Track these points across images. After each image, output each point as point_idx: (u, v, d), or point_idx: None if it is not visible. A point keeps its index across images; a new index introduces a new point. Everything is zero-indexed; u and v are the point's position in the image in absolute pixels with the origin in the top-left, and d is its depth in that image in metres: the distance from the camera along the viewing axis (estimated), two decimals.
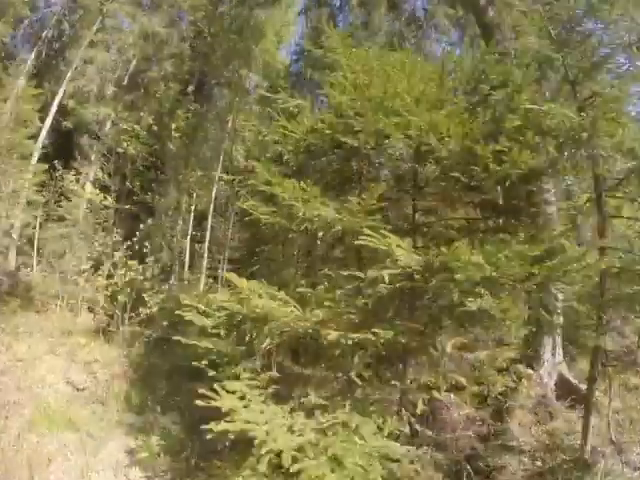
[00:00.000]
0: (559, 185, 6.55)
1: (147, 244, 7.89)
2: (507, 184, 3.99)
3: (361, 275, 3.77)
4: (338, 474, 3.23)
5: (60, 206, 9.25)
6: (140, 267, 6.76)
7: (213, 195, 10.75)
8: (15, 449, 4.85)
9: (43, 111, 11.03)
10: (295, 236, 4.50)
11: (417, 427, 5.20)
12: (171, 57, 12.23)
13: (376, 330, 3.56)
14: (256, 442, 3.35)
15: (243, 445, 4.87)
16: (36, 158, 10.29)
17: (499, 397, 5.94)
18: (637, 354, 7.22)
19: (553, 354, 6.53)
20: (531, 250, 3.41)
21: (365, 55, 4.70)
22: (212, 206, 10.73)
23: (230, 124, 11.80)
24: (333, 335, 3.53)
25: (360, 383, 3.83)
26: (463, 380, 5.46)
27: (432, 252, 3.62)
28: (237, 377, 3.84)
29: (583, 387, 6.04)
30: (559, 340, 6.58)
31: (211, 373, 4.09)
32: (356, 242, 3.59)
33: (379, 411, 3.89)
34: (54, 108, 11.22)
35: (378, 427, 3.64)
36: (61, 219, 9.23)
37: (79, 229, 9.10)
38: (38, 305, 9.24)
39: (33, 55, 11.50)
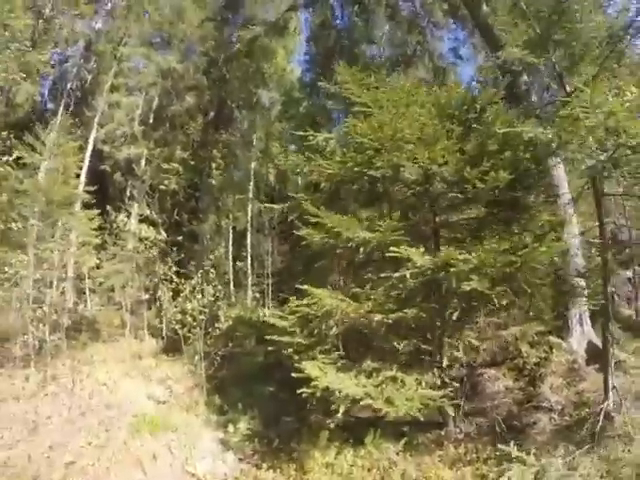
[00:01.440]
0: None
1: (197, 268, 9.50)
2: (496, 193, 5.49)
3: (392, 275, 5.34)
4: (391, 408, 4.93)
5: (117, 244, 11.03)
6: (212, 290, 8.31)
7: (249, 215, 12.31)
8: (124, 452, 6.34)
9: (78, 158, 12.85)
10: (340, 251, 6.06)
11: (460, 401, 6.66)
12: (190, 89, 13.92)
13: (406, 310, 5.21)
14: (336, 392, 5.01)
15: (314, 429, 6.48)
16: (78, 204, 12.05)
17: (533, 367, 7.22)
18: None
19: (581, 323, 7.68)
20: (500, 245, 4.94)
21: (375, 95, 6.18)
22: (249, 225, 12.29)
23: (255, 143, 13.36)
24: (379, 317, 5.18)
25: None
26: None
27: (437, 254, 5.26)
28: (314, 358, 5.42)
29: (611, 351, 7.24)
30: (585, 310, 7.73)
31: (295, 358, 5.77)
32: (386, 254, 5.23)
33: (417, 370, 5.54)
34: (88, 154, 13.03)
35: (417, 380, 5.18)
36: (116, 257, 10.98)
37: (134, 264, 10.85)
38: (104, 336, 11.01)
39: (62, 108, 13.32)
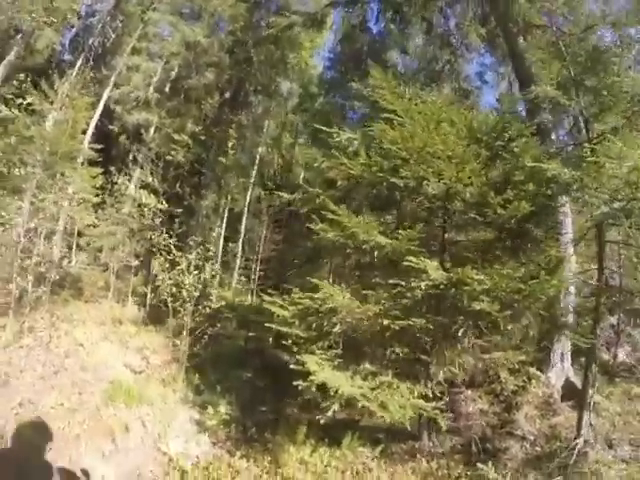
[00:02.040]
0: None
1: (209, 245, 9.36)
2: (513, 222, 5.57)
3: (402, 283, 5.36)
4: (386, 413, 4.96)
5: (114, 208, 10.73)
6: (208, 267, 8.15)
7: (247, 199, 12.15)
8: (96, 419, 6.13)
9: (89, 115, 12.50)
10: (350, 251, 6.00)
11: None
12: (211, 65, 13.66)
13: (414, 319, 5.23)
14: (331, 389, 4.98)
15: (291, 423, 6.41)
16: (80, 160, 11.72)
17: (510, 395, 7.30)
18: None
19: (562, 360, 7.82)
20: (514, 272, 5.04)
21: (407, 105, 6.15)
22: (247, 209, 12.15)
23: (266, 130, 13.22)
24: (386, 322, 5.19)
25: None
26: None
27: (453, 270, 5.27)
28: (312, 353, 5.37)
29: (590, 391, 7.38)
30: (568, 348, 7.87)
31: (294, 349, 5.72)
32: (403, 262, 5.26)
33: (411, 379, 5.59)
34: (98, 112, 12.66)
35: (409, 389, 5.23)
36: (110, 218, 10.70)
37: (128, 228, 10.60)
38: (87, 296, 10.73)
39: (80, 62, 12.94)
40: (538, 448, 6.33)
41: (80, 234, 11.24)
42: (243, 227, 12.37)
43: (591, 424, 5.96)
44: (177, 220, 10.52)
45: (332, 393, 4.87)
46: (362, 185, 6.44)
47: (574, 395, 7.16)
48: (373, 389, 5.13)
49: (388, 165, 6.01)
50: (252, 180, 12.58)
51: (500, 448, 6.32)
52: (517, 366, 7.06)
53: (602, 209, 5.55)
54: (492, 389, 7.45)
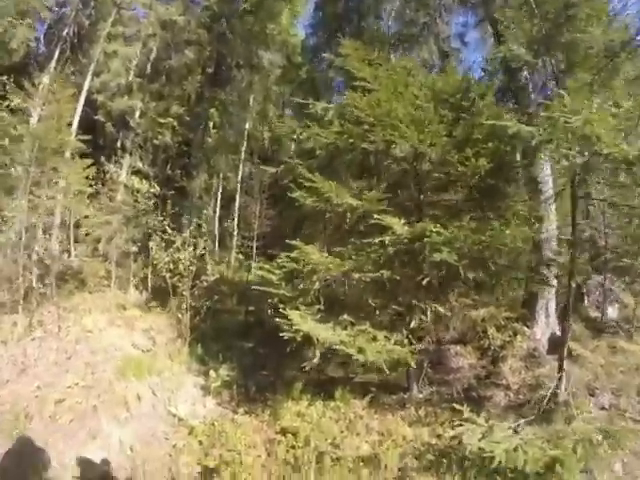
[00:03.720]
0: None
1: (202, 224, 10.21)
2: (477, 179, 6.35)
3: (372, 240, 6.25)
4: (361, 356, 5.92)
5: (107, 196, 11.55)
6: (201, 244, 9.03)
7: (240, 176, 12.87)
8: (110, 393, 7.14)
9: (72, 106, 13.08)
10: (330, 216, 7.01)
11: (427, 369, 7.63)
12: (190, 43, 14.16)
13: (382, 271, 6.15)
14: (314, 338, 5.97)
15: (288, 382, 7.38)
16: (69, 153, 12.39)
17: (497, 349, 8.17)
18: (633, 323, 9.27)
19: (546, 315, 8.61)
20: (471, 224, 5.96)
21: (375, 72, 6.89)
22: (239, 187, 12.90)
23: (252, 104, 13.82)
24: (357, 276, 6.14)
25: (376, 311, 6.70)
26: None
27: (416, 225, 6.16)
28: (297, 309, 6.36)
29: (572, 345, 8.18)
30: (553, 303, 8.65)
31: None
32: (371, 221, 6.15)
33: (388, 328, 6.54)
34: (81, 103, 13.21)
35: (386, 337, 6.21)
36: (105, 208, 11.51)
37: (123, 215, 11.43)
38: (90, 286, 11.60)
39: (57, 54, 13.39)
40: (521, 396, 7.21)
41: (78, 226, 12.06)
42: (237, 205, 13.14)
43: (567, 374, 6.63)
44: (169, 202, 11.28)
45: (316, 341, 5.85)
46: (338, 153, 7.24)
47: (559, 348, 8.08)
48: (352, 337, 6.04)
49: (358, 131, 6.73)
50: (242, 157, 13.25)
51: (485, 396, 7.23)
52: (503, 322, 7.91)
53: (564, 163, 6.29)
54: (480, 345, 8.32)
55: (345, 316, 6.38)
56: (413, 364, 6.32)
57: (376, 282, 6.30)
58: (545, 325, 8.59)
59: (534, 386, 7.33)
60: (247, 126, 13.90)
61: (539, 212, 7.86)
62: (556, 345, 8.00)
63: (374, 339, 6.14)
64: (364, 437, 6.23)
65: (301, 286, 6.52)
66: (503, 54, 7.41)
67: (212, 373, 7.74)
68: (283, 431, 6.40)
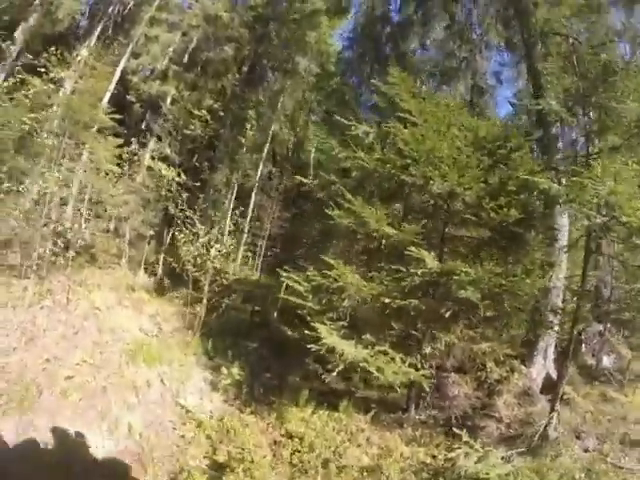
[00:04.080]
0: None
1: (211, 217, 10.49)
2: (504, 225, 6.83)
3: (402, 269, 6.68)
4: (380, 375, 6.33)
5: (131, 178, 11.77)
6: (227, 242, 9.33)
7: (258, 174, 13.15)
8: (119, 376, 7.32)
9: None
10: (360, 236, 7.42)
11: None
12: (230, 40, 14.45)
13: (410, 300, 6.57)
14: (338, 352, 6.35)
15: (293, 388, 7.70)
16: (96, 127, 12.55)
17: (493, 383, 8.58)
18: (626, 374, 9.73)
19: (544, 357, 9.06)
20: (496, 268, 6.32)
21: (421, 107, 7.30)
22: (256, 185, 13.18)
23: (280, 107, 14.14)
24: (387, 300, 6.52)
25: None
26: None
27: (446, 262, 6.63)
28: (323, 323, 6.71)
29: (565, 388, 8.58)
30: (552, 346, 9.10)
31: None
32: (405, 252, 6.55)
33: (405, 352, 6.88)
34: (115, 81, 13.36)
35: (402, 359, 6.61)
36: (128, 188, 11.72)
37: (142, 197, 11.66)
38: (101, 262, 11.74)
39: (98, 30, 13.57)
40: (512, 430, 7.60)
41: (98, 202, 12.22)
42: (252, 203, 13.42)
43: (559, 415, 7.07)
44: (190, 193, 11.51)
45: (338, 356, 6.25)
46: (374, 177, 7.69)
47: (552, 390, 8.06)
48: (372, 356, 6.44)
49: (400, 163, 7.19)
50: (264, 157, 13.55)
51: (478, 426, 7.60)
52: (502, 358, 8.24)
53: (585, 222, 6.74)
54: (478, 376, 8.71)
55: (368, 335, 6.77)
56: (426, 387, 6.77)
57: (401, 308, 6.65)
58: (542, 366, 9.03)
59: (525, 422, 7.71)
60: (273, 128, 14.20)
61: (552, 259, 8.34)
62: (550, 386, 8.48)
63: (392, 360, 6.54)
64: (365, 449, 6.61)
65: (324, 301, 6.93)
66: (542, 107, 7.86)
67: (224, 370, 8.02)
68: (288, 434, 6.76)
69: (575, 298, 7.62)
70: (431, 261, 6.47)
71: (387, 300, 6.57)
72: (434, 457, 6.56)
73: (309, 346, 6.41)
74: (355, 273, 6.97)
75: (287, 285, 7.56)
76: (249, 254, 14.09)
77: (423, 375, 6.67)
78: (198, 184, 12.34)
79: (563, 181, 7.09)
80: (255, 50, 14.92)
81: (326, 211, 7.24)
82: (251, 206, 13.48)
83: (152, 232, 11.65)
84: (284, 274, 7.41)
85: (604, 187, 5.85)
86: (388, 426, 7.27)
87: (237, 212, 12.26)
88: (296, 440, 6.56)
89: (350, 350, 6.30)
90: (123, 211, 11.91)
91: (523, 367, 8.84)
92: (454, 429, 6.88)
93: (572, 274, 9.04)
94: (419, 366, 6.85)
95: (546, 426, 7.03)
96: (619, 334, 10.36)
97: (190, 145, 13.80)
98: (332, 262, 6.93)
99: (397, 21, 13.23)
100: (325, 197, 7.64)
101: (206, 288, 9.02)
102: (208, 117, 12.83)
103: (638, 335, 9.97)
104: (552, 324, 8.02)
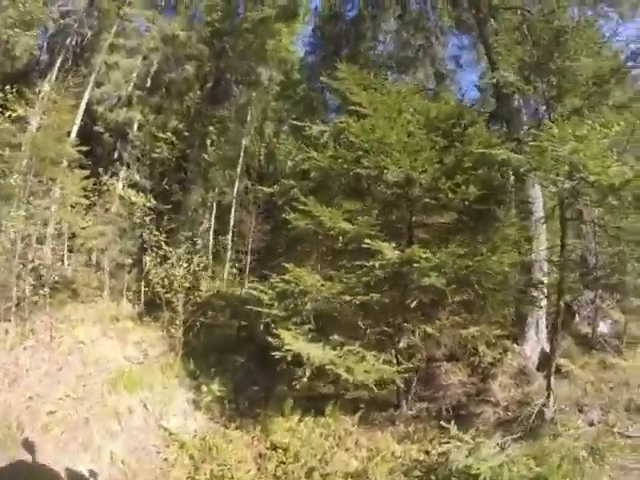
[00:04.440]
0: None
1: (182, 238, 10.36)
2: (467, 204, 6.57)
3: (361, 263, 6.39)
4: (349, 375, 6.00)
5: (103, 208, 11.66)
6: (195, 260, 9.19)
7: (235, 191, 13.00)
8: (101, 405, 7.20)
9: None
10: (322, 238, 7.20)
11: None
12: (190, 58, 14.44)
13: (372, 295, 6.30)
14: (304, 357, 6.09)
15: (279, 398, 7.46)
16: (66, 162, 12.49)
17: (487, 366, 8.29)
18: (623, 339, 9.45)
19: (536, 332, 8.74)
20: (459, 250, 6.03)
21: (371, 97, 7.12)
22: (234, 201, 13.04)
23: (249, 120, 14.06)
24: (348, 298, 6.28)
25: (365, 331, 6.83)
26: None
27: (405, 250, 6.27)
28: (289, 329, 6.50)
29: (562, 361, 8.32)
30: (543, 320, 8.79)
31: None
32: (362, 245, 6.25)
33: (377, 349, 6.63)
34: (81, 113, 13.37)
35: (375, 357, 6.33)
36: (101, 219, 11.61)
37: (117, 227, 11.54)
38: (83, 296, 11.60)
39: (59, 63, 13.53)
40: (510, 413, 7.25)
41: (73, 236, 12.13)
42: (232, 219, 13.29)
43: (551, 389, 6.73)
44: (165, 217, 11.42)
45: (305, 360, 5.99)
46: (332, 175, 7.45)
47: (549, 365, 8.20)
48: (340, 357, 6.19)
49: (352, 157, 6.97)
50: (238, 172, 13.43)
51: (474, 413, 7.30)
52: (494, 340, 8.01)
53: (552, 189, 6.51)
54: (471, 362, 8.43)
55: (335, 336, 6.53)
56: (400, 383, 6.53)
57: (366, 304, 6.44)
58: (535, 342, 8.71)
59: (523, 403, 7.36)
60: (244, 142, 14.09)
61: (529, 233, 8.10)
62: (546, 362, 8.17)
63: (363, 359, 6.29)
64: (353, 453, 6.33)
65: (292, 306, 6.69)
66: (495, 80, 7.70)
67: (204, 388, 7.84)
68: (273, 446, 6.51)
69: (556, 269, 7.38)
70: (390, 252, 6.19)
71: (348, 298, 6.33)
72: (427, 453, 6.25)
73: (274, 354, 6.20)
74: (317, 274, 6.77)
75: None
76: (235, 270, 13.91)
77: (397, 371, 6.39)
78: (169, 206, 12.19)
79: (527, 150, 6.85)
80: (217, 65, 14.87)
81: (284, 216, 7.08)
82: (231, 222, 13.32)
83: (131, 260, 11.46)
84: (249, 285, 7.24)
85: (564, 148, 5.59)
86: (379, 425, 6.99)
87: (218, 230, 12.14)
88: (281, 451, 6.32)
89: (317, 353, 6.08)
90: (100, 243, 11.84)
91: (516, 346, 8.53)
92: (443, 421, 6.69)
93: (554, 245, 8.76)
94: (394, 361, 6.60)
95: (542, 405, 6.72)
96: (611, 299, 10.11)
97: (160, 169, 13.69)
98: (288, 266, 6.73)
99: (350, 18, 13.13)
100: (285, 202, 7.44)
101: (180, 309, 8.81)
102: (173, 139, 12.73)
103: (630, 298, 9.66)
104: (536, 299, 7.75)
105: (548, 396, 6.82)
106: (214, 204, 14.02)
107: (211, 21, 15.35)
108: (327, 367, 6.01)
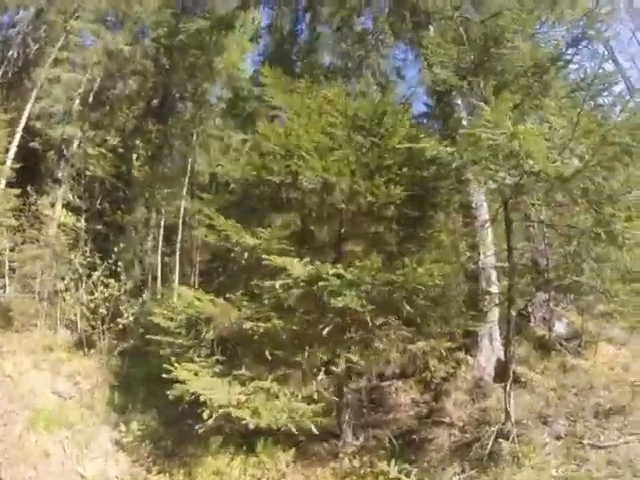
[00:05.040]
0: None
1: (119, 262, 9.32)
2: (392, 209, 5.71)
3: (262, 283, 5.53)
4: (256, 420, 5.16)
5: (35, 229, 10.50)
6: (116, 284, 8.13)
7: (182, 210, 11.97)
8: (18, 447, 6.21)
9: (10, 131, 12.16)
10: (236, 254, 6.13)
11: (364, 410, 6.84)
12: (135, 74, 13.50)
13: (275, 321, 5.37)
14: (206, 400, 5.15)
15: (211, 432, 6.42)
16: (4, 182, 11.42)
17: (440, 382, 7.46)
18: (582, 340, 8.82)
19: (490, 341, 8.00)
20: (376, 263, 5.14)
21: (291, 100, 6.40)
22: (180, 221, 11.99)
23: (195, 138, 13.13)
24: (248, 325, 5.34)
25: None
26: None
27: (315, 266, 5.35)
28: (192, 360, 5.58)
29: (519, 369, 7.57)
30: (496, 328, 8.06)
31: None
32: (263, 262, 5.36)
33: (294, 383, 5.74)
34: (21, 128, 12.30)
35: (293, 393, 5.36)
36: (34, 242, 10.46)
37: (52, 250, 10.38)
38: (17, 325, 10.48)
39: None
40: (467, 435, 6.38)
41: (7, 262, 10.96)
42: (179, 238, 12.25)
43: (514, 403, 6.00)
44: (102, 238, 10.37)
45: (208, 403, 5.03)
46: (252, 186, 6.60)
47: (506, 375, 7.42)
48: (249, 394, 5.25)
49: (261, 163, 6.20)
50: (184, 191, 12.41)
51: (427, 438, 6.40)
52: (445, 353, 7.23)
53: (492, 186, 5.76)
54: (423, 378, 7.59)
55: (243, 370, 5.51)
56: (313, 428, 5.46)
57: (272, 332, 5.46)
58: (490, 352, 7.95)
59: (480, 421, 6.53)
60: (189, 159, 13.13)
61: (475, 240, 7.40)
62: (503, 372, 7.38)
63: (275, 396, 5.37)
64: None
65: (195, 335, 5.78)
66: (430, 79, 7.03)
67: (128, 427, 6.78)
68: None
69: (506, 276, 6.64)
70: (299, 268, 5.24)
71: (248, 325, 5.33)
72: None
73: (168, 393, 5.35)
74: (222, 298, 5.82)
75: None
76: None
77: (312, 411, 5.42)
78: (101, 227, 11.12)
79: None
80: (162, 82, 13.96)
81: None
82: (178, 243, 12.23)
83: (64, 286, 10.27)
84: (155, 311, 6.26)
85: (502, 132, 4.78)
86: (319, 460, 6.05)
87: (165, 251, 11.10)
88: None
89: (221, 393, 5.11)
90: (35, 267, 10.67)
91: (469, 358, 7.76)
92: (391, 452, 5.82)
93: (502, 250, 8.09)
94: (315, 397, 5.58)
95: (503, 424, 5.88)
96: (565, 300, 9.50)
97: (99, 188, 12.58)
98: (183, 290, 6.00)
99: (287, 31, 12.53)
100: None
101: (101, 336, 7.73)
102: (109, 155, 11.71)
103: (584, 297, 9.03)
104: (483, 311, 7.05)
105: (507, 413, 5.98)
106: (162, 223, 12.89)
107: (157, 37, 14.46)
108: (231, 412, 5.02)
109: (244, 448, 6.08)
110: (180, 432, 6.72)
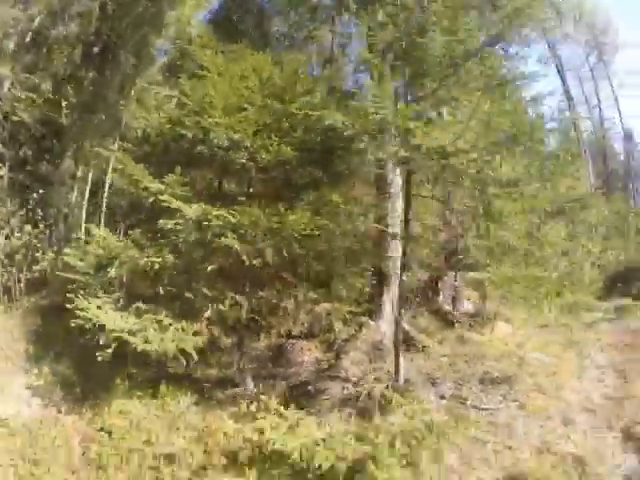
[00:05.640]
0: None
1: (41, 213, 9.21)
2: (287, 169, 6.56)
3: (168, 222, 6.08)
4: (147, 346, 5.73)
5: None
6: (33, 231, 8.20)
7: (111, 165, 11.67)
8: None
9: None
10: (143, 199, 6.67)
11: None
12: (78, 16, 12.70)
13: (168, 257, 6.12)
14: (106, 326, 5.70)
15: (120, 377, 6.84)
16: None
17: (342, 343, 8.18)
18: (483, 316, 9.73)
19: (393, 309, 8.72)
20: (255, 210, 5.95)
21: (215, 60, 6.82)
22: (109, 176, 11.73)
23: (132, 92, 12.67)
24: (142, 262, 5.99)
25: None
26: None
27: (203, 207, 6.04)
28: (96, 296, 6.16)
29: (420, 337, 8.38)
30: (397, 296, 8.79)
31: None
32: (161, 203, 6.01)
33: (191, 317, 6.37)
34: None
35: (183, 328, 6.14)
36: None
37: None
38: None
39: None
40: (359, 388, 6.96)
41: None
42: (106, 191, 12.00)
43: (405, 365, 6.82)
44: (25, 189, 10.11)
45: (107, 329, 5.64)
46: (171, 140, 7.03)
47: (406, 341, 7.87)
48: (143, 324, 5.86)
49: (177, 118, 6.67)
50: (116, 146, 12.06)
51: (322, 389, 7.07)
52: (348, 316, 7.83)
53: (381, 155, 6.37)
54: (327, 338, 8.31)
55: (141, 304, 6.14)
56: (194, 354, 6.18)
57: (165, 270, 6.11)
58: (391, 317, 8.53)
59: (376, 379, 7.15)
60: (124, 113, 12.73)
61: (385, 212, 8.16)
62: (404, 338, 8.21)
63: (166, 329, 5.97)
64: (182, 434, 5.95)
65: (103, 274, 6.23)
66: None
67: (44, 372, 7.04)
68: (102, 430, 5.97)
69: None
70: (192, 211, 5.86)
71: (143, 261, 5.96)
72: (262, 433, 5.79)
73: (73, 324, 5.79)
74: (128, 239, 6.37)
75: None
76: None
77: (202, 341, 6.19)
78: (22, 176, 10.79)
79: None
80: (106, 28, 13.25)
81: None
82: (104, 200, 11.99)
83: None
84: (66, 251, 6.60)
85: (386, 110, 5.37)
86: (219, 405, 6.62)
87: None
88: (106, 435, 5.83)
89: (118, 325, 5.66)
90: None
91: (371, 322, 8.46)
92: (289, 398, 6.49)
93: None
94: (199, 330, 6.29)
95: (395, 381, 6.72)
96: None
97: (25, 135, 11.98)
98: (92, 228, 6.54)
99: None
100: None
101: (16, 286, 7.80)
102: (42, 102, 11.19)
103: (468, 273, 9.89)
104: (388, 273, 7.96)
105: (397, 371, 6.78)
106: (89, 176, 12.51)
107: None
108: (125, 337, 5.62)
109: (150, 392, 6.60)
110: (91, 379, 7.02)
